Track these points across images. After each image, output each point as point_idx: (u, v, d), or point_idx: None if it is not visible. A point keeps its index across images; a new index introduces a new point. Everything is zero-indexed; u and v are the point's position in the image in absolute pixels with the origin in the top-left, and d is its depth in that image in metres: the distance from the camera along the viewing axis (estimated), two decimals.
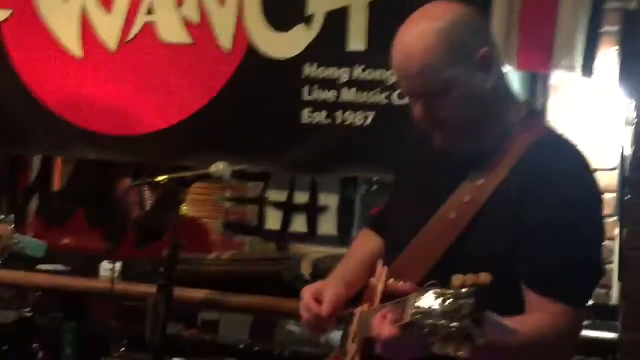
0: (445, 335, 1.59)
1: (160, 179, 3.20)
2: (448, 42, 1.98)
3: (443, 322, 1.59)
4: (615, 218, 3.76)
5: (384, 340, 1.80)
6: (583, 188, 2.02)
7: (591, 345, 3.50)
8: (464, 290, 1.61)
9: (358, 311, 2.21)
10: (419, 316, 1.63)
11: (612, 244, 3.80)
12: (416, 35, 2.00)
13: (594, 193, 2.05)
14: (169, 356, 3.58)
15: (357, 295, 2.30)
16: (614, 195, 3.80)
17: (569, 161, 2.03)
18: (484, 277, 1.65)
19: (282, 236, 4.36)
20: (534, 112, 2.19)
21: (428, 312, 1.62)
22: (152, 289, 3.18)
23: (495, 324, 1.65)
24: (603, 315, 3.55)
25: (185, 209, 4.84)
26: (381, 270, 2.11)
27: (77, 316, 3.94)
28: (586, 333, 3.48)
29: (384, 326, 1.81)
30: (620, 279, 3.57)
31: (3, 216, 4.21)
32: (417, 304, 1.65)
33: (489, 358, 1.85)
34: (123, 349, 3.86)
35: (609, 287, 3.83)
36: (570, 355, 2.08)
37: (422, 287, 1.69)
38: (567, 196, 1.97)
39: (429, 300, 1.63)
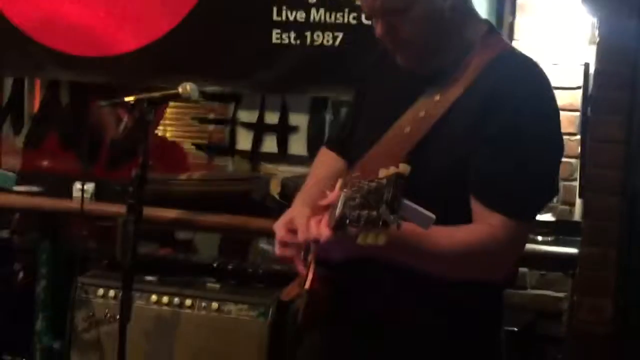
0: (365, 224, 1.59)
1: (128, 99, 3.21)
2: None
3: (363, 212, 1.59)
4: (578, 136, 3.80)
5: (320, 242, 1.82)
6: (541, 103, 2.01)
7: (553, 260, 3.59)
8: (383, 180, 1.62)
9: None
10: (345, 210, 1.66)
11: (575, 162, 3.84)
12: None
13: (553, 109, 2.04)
14: (143, 274, 3.63)
15: None
16: (577, 113, 3.83)
17: (528, 76, 2.01)
18: (403, 167, 1.63)
19: (253, 156, 4.39)
20: (493, 29, 2.15)
21: (353, 205, 1.63)
22: (122, 209, 3.21)
23: (410, 210, 1.64)
24: (565, 231, 3.62)
25: (161, 129, 4.84)
26: (337, 183, 2.13)
27: (51, 236, 3.96)
28: (548, 248, 3.57)
29: (318, 229, 1.83)
30: (580, 195, 3.62)
31: None
32: (345, 200, 1.68)
33: (415, 258, 1.90)
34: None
35: (571, 204, 3.89)
36: (508, 265, 2.06)
37: (348, 183, 1.71)
38: (524, 110, 1.95)
39: (355, 194, 1.64)
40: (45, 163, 4.66)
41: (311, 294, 2.02)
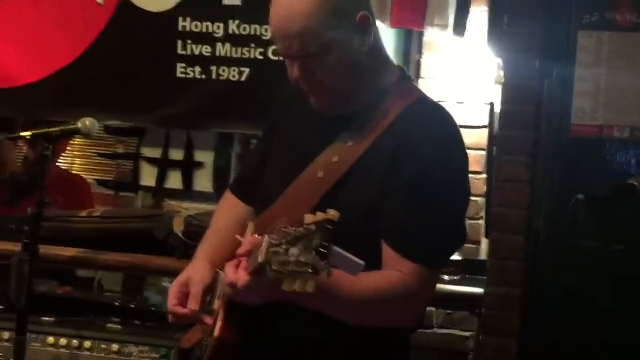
0: (292, 271, 1.57)
1: (24, 133, 3.15)
2: (329, 5, 1.96)
3: (290, 258, 1.58)
4: (484, 175, 3.85)
5: (237, 288, 1.80)
6: (451, 152, 2.03)
7: (459, 300, 3.60)
8: (312, 225, 1.60)
9: (224, 268, 2.19)
10: (267, 256, 1.62)
11: (481, 200, 3.89)
12: None
13: (462, 157, 2.07)
14: (40, 315, 3.53)
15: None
16: (483, 152, 3.88)
17: (438, 125, 2.04)
18: (332, 213, 1.63)
19: (157, 192, 4.32)
20: (406, 76, 2.18)
21: (277, 251, 1.60)
22: (18, 246, 3.12)
23: (340, 257, 1.65)
24: (471, 270, 3.63)
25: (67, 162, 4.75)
26: (249, 227, 2.10)
27: None
28: (454, 287, 3.58)
29: (235, 273, 1.81)
30: (486, 235, 3.65)
31: None
32: (267, 246, 1.64)
33: (329, 306, 1.89)
34: None
35: (477, 242, 3.93)
36: (420, 311, 2.09)
37: (273, 228, 1.67)
38: (435, 158, 1.97)
39: (280, 239, 1.61)
40: None
41: (219, 341, 1.99)
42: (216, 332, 2.00)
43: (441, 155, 1.98)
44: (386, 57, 2.14)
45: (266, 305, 1.86)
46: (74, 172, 4.76)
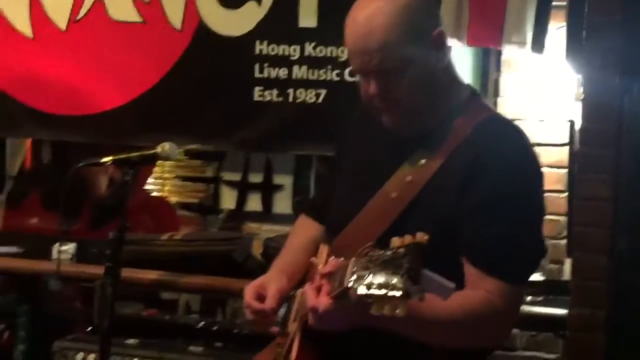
0: (382, 295, 1.56)
1: (105, 159, 3.19)
2: (408, 21, 1.99)
3: (380, 281, 1.57)
4: (566, 194, 3.79)
5: (318, 312, 1.80)
6: (526, 167, 2.04)
7: (543, 321, 3.54)
8: (400, 249, 1.60)
9: (299, 291, 2.20)
10: (354, 281, 1.62)
11: (563, 219, 3.83)
12: (375, 11, 2.00)
13: (537, 172, 2.08)
14: (125, 337, 3.59)
15: (302, 280, 2.31)
16: (565, 170, 3.83)
17: (512, 141, 2.05)
18: (420, 236, 1.63)
19: (237, 215, 4.37)
20: (476, 93, 2.20)
21: (363, 275, 1.60)
22: (101, 270, 3.15)
23: (431, 281, 1.65)
24: (555, 291, 3.58)
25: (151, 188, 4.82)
26: (322, 249, 2.11)
27: (30, 299, 3.91)
28: (538, 309, 3.53)
29: (318, 298, 1.81)
30: (569, 254, 3.60)
31: None
32: (353, 270, 1.64)
33: (415, 329, 1.89)
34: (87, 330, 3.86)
35: (561, 263, 3.86)
36: (506, 331, 2.10)
37: (359, 252, 1.68)
38: (510, 175, 1.99)
39: (366, 264, 1.62)
40: (26, 223, 4.62)
41: None
42: (293, 356, 2.01)
43: (516, 171, 1.99)
44: (457, 75, 2.15)
45: (344, 333, 1.86)
46: (162, 195, 4.83)
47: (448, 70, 2.10)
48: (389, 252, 1.61)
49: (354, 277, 1.63)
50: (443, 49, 2.05)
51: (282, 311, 2.27)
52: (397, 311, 1.56)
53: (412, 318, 1.77)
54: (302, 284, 2.25)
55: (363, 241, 1.97)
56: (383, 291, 1.56)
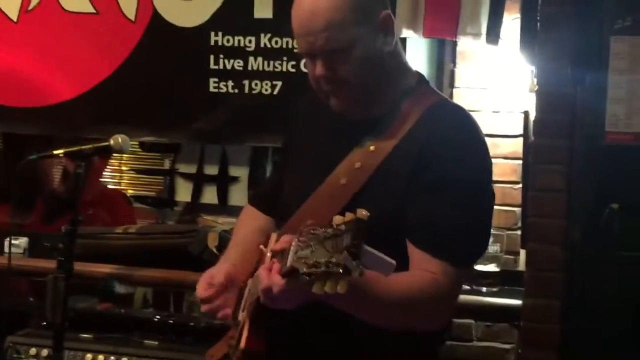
0: (323, 272, 1.56)
1: (57, 152, 3.18)
2: (353, 1, 1.99)
3: (321, 259, 1.57)
4: (520, 185, 3.82)
5: (272, 292, 1.79)
6: (475, 152, 2.06)
7: (498, 312, 3.58)
8: (341, 226, 1.60)
9: (249, 280, 2.21)
10: (296, 259, 1.62)
11: (518, 211, 3.85)
12: None
13: (485, 157, 2.09)
14: (79, 331, 3.57)
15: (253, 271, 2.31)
16: (519, 162, 3.85)
17: (460, 126, 2.07)
18: (361, 212, 1.62)
19: (193, 207, 4.35)
20: (424, 79, 2.19)
21: (308, 254, 1.60)
22: (54, 264, 3.13)
23: (372, 256, 1.65)
24: (510, 282, 3.61)
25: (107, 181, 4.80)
26: (272, 237, 2.11)
27: None
28: (493, 299, 3.56)
29: (270, 277, 1.80)
30: (523, 245, 3.63)
31: None
32: (297, 248, 1.65)
33: (361, 307, 1.88)
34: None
35: (516, 253, 3.89)
36: (450, 312, 2.09)
37: (301, 230, 1.68)
38: (459, 159, 2.00)
39: (309, 241, 1.62)
40: None
41: (246, 352, 1.99)
42: (242, 344, 2.00)
43: (464, 155, 2.00)
44: (405, 61, 2.16)
45: (291, 314, 1.86)
46: (118, 188, 4.80)
47: (395, 56, 2.10)
48: (329, 230, 1.60)
49: (296, 255, 1.63)
50: (390, 32, 2.06)
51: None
52: (337, 287, 1.55)
53: (358, 295, 1.79)
54: (252, 274, 2.27)
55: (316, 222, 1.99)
56: (323, 268, 1.55)
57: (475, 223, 2.03)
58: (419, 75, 2.19)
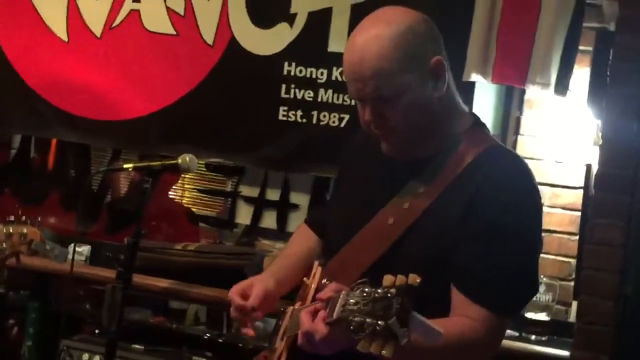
0: (371, 333, 1.58)
1: (126, 166, 3.24)
2: (402, 48, 1.98)
3: (369, 320, 1.58)
4: (577, 237, 3.78)
5: (315, 338, 1.80)
6: (526, 202, 2.04)
7: None
8: (392, 289, 1.61)
9: (289, 309, 2.22)
10: (346, 313, 1.64)
11: (574, 262, 3.82)
12: (370, 38, 1.99)
13: (536, 207, 2.07)
14: (131, 342, 3.62)
15: (292, 293, 2.32)
16: (578, 213, 3.82)
17: (513, 173, 2.05)
18: (413, 278, 1.63)
19: (252, 230, 4.38)
20: (479, 123, 2.18)
21: (355, 310, 1.61)
22: (112, 274, 3.17)
23: (420, 325, 1.64)
24: (560, 332, 3.59)
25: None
26: (316, 270, 2.12)
27: (40, 296, 3.95)
28: (541, 348, 3.53)
29: (314, 323, 1.81)
30: (574, 297, 3.59)
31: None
32: (345, 301, 1.66)
33: (408, 357, 1.86)
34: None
35: (568, 304, 3.84)
36: (485, 357, 2.07)
37: (352, 285, 1.69)
38: (511, 207, 1.98)
39: (358, 298, 1.63)
40: (46, 221, 4.65)
41: None
42: None
43: (515, 204, 1.98)
44: (458, 103, 2.14)
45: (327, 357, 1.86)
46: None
47: (447, 99, 2.08)
48: (380, 290, 1.62)
49: (346, 309, 1.65)
50: (441, 78, 2.04)
51: (268, 323, 2.29)
52: (383, 352, 1.57)
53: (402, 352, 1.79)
54: (292, 298, 2.28)
55: (357, 265, 2.02)
56: (371, 329, 1.58)
57: (521, 273, 2.01)
58: (474, 117, 2.18)
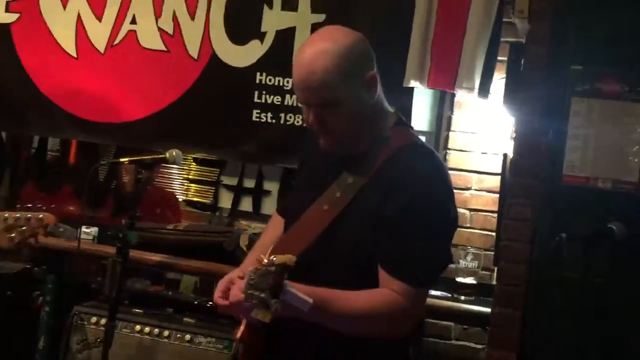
0: (256, 302, 1.69)
1: (123, 159, 3.30)
2: (346, 64, 1.99)
3: (255, 292, 1.70)
4: (496, 214, 3.85)
5: (230, 303, 1.92)
6: (437, 187, 2.05)
7: (473, 317, 3.64)
8: (272, 267, 1.71)
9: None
10: (245, 287, 1.74)
11: (494, 235, 3.89)
12: (318, 53, 1.98)
13: (446, 194, 2.07)
14: (132, 307, 3.67)
15: None
16: (497, 195, 3.89)
17: (423, 165, 2.06)
18: (289, 258, 1.73)
19: (232, 213, 4.44)
20: (401, 121, 2.19)
21: (251, 284, 1.72)
22: (113, 250, 3.25)
23: (292, 296, 1.73)
24: (485, 293, 3.67)
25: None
26: (269, 250, 2.13)
27: (56, 269, 3.97)
28: (469, 307, 3.62)
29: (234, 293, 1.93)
30: (494, 264, 3.67)
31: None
32: (249, 277, 1.75)
33: (325, 319, 1.93)
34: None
35: (491, 270, 3.92)
36: (410, 323, 2.08)
37: (254, 265, 1.78)
38: (422, 193, 2.00)
39: (255, 275, 1.73)
40: (58, 207, 4.69)
41: (242, 342, 2.07)
42: (238, 334, 2.08)
43: (425, 193, 2.01)
44: (385, 106, 2.15)
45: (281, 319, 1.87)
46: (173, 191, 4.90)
47: (377, 104, 2.09)
48: (263, 268, 1.73)
49: (247, 285, 1.74)
50: (373, 89, 2.05)
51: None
52: (264, 317, 1.70)
53: (320, 310, 1.87)
54: None
55: (296, 246, 2.04)
56: (256, 300, 1.70)
57: (431, 250, 2.02)
58: (397, 117, 2.18)
